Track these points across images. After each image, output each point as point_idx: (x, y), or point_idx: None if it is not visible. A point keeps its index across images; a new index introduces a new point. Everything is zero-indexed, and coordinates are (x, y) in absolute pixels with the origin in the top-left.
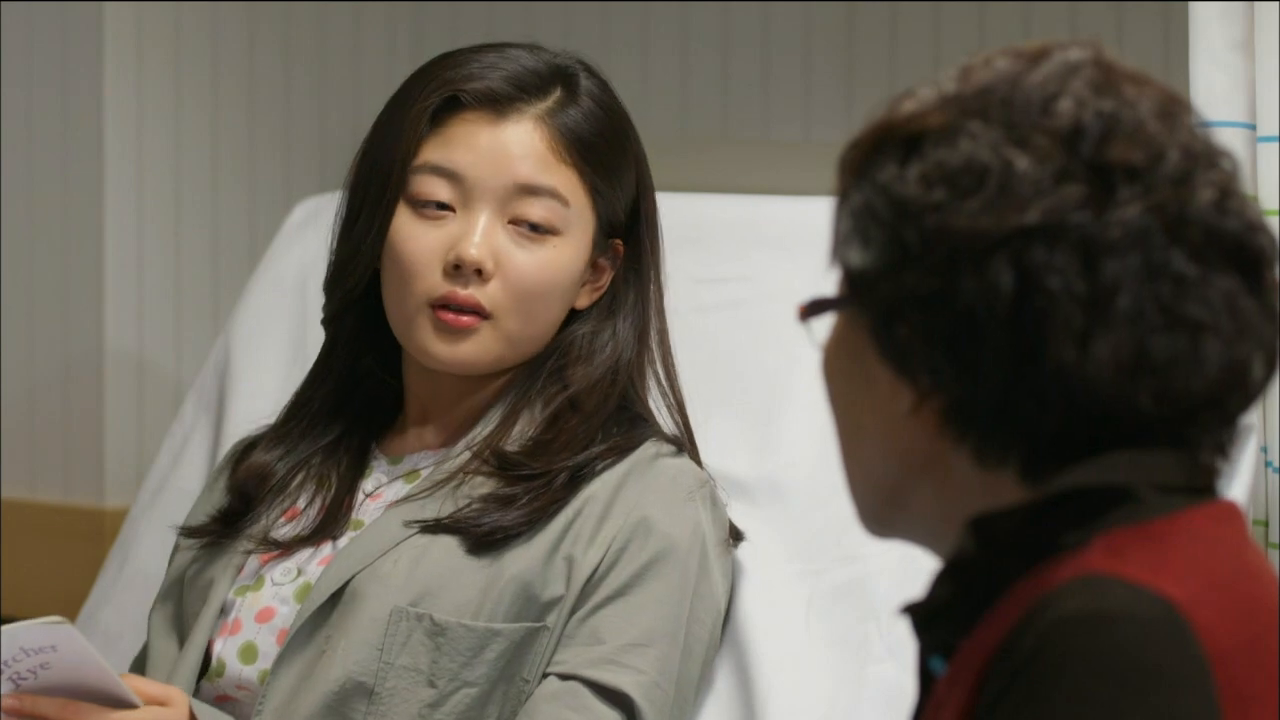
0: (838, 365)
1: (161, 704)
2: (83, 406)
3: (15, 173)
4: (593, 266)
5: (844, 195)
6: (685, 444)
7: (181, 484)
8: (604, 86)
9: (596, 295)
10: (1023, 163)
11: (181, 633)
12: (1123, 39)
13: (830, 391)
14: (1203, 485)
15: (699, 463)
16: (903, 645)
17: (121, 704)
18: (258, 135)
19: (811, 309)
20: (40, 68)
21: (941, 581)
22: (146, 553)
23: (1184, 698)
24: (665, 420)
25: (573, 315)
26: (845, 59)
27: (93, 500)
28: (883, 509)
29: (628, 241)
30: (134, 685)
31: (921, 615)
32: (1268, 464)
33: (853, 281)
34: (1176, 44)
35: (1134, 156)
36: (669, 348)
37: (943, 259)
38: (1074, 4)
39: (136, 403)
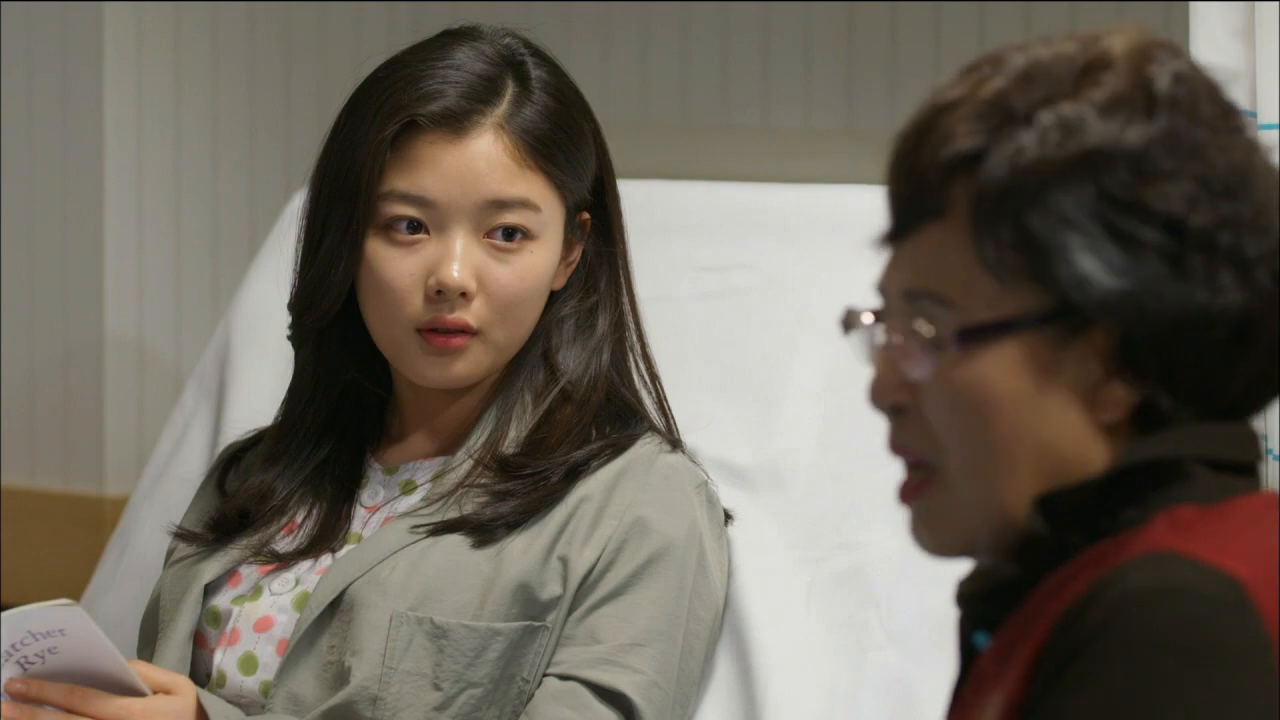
0: (1007, 390)
1: (168, 692)
2: (83, 394)
3: (15, 163)
4: (564, 245)
5: (1045, 210)
6: (678, 438)
7: (182, 471)
8: (552, 67)
9: (570, 270)
10: (1260, 163)
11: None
12: None
13: (990, 419)
14: (1253, 457)
15: (675, 428)
16: (903, 632)
17: (129, 690)
18: (257, 124)
19: (980, 333)
20: (40, 67)
21: (1009, 559)
22: (147, 540)
23: (1247, 676)
24: (646, 397)
25: (550, 296)
26: (845, 45)
27: (93, 488)
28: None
29: (593, 211)
30: (140, 672)
31: (983, 591)
32: (1268, 451)
33: (1083, 297)
34: (1177, 40)
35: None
36: (640, 320)
37: (1213, 272)
38: (1074, 2)
39: (137, 390)
